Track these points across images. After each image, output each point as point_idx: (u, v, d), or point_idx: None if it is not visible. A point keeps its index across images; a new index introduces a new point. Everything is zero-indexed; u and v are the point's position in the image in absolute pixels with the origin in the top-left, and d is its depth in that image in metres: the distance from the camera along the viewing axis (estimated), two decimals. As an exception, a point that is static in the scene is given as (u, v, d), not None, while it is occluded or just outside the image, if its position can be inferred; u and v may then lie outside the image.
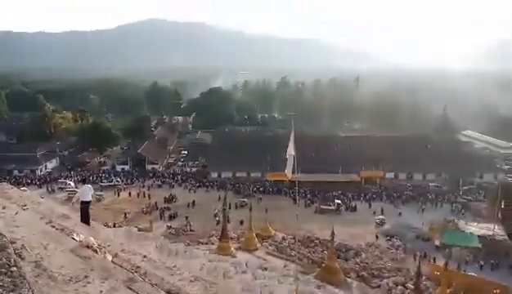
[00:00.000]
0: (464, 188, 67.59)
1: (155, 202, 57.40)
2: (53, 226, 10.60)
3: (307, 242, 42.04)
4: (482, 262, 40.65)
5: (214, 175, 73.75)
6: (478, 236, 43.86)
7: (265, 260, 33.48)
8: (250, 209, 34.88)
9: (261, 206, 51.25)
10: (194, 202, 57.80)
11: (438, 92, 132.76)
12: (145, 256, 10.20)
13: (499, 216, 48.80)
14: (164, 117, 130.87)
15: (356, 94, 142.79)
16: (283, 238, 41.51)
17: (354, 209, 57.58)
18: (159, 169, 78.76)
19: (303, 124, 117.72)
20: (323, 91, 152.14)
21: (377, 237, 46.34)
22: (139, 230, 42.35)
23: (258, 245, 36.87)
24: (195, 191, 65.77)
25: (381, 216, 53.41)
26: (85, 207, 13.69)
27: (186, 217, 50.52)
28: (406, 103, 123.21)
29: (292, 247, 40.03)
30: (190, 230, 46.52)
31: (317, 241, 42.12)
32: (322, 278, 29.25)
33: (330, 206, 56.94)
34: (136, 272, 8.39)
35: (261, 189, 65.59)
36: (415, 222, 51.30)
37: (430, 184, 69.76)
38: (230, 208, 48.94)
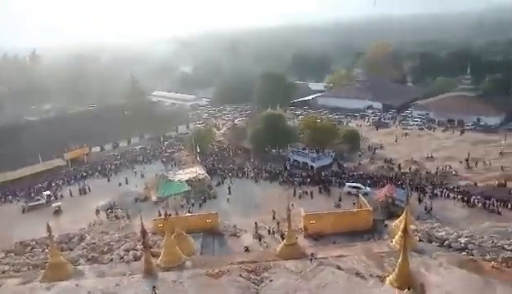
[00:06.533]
0: (166, 142, 74.62)
1: None
2: None
3: (22, 248, 36.75)
4: (193, 201, 47.09)
5: None
6: (186, 181, 50.07)
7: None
8: None
9: None
10: None
11: (122, 60, 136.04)
12: None
13: (197, 158, 57.01)
14: None
15: (36, 71, 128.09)
16: (-14, 258, 34.71)
17: (85, 192, 53.76)
18: None
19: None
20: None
21: (97, 212, 45.22)
22: None
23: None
24: None
25: (58, 203, 49.28)
26: None
27: None
28: (92, 74, 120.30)
29: (3, 261, 34.25)
30: None
31: (34, 243, 37.47)
32: (49, 277, 26.77)
33: (39, 200, 50.97)
34: None
35: None
36: (132, 187, 53.12)
37: (136, 147, 73.04)
38: None
